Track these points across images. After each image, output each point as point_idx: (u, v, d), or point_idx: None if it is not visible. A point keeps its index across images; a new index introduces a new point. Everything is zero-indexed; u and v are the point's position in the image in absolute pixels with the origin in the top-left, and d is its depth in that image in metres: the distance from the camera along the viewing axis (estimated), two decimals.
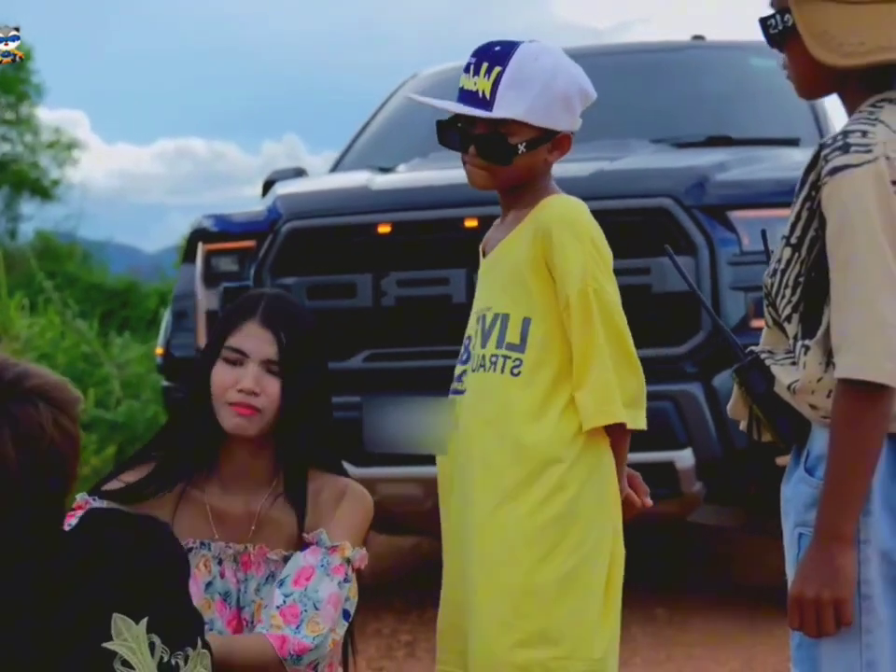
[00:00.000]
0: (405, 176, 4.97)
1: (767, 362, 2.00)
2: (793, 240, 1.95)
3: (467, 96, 2.36)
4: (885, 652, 1.88)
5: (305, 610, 2.27)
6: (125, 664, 1.78)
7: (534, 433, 2.34)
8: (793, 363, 1.96)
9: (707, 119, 5.71)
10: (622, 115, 5.60)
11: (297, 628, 2.25)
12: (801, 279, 1.95)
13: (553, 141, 2.40)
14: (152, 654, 1.80)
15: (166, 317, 5.13)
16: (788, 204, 4.27)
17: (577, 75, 2.43)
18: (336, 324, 4.58)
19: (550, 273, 2.36)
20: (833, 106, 7.32)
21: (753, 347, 2.06)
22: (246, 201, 6.06)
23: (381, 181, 4.79)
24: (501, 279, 2.44)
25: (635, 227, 4.37)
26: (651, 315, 4.25)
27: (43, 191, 24.83)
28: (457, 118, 2.39)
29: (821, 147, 1.91)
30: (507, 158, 2.37)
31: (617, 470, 2.39)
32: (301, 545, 2.35)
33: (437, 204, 4.49)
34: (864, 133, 1.87)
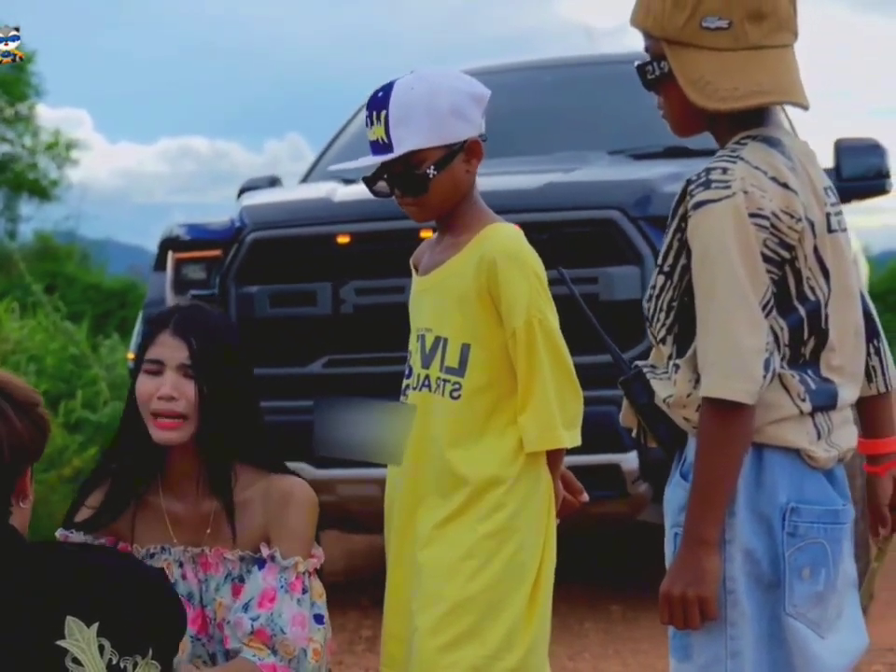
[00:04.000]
0: (364, 189, 5.11)
1: (648, 376, 2.16)
2: (666, 268, 2.11)
3: (374, 146, 2.50)
4: (748, 643, 2.04)
5: (274, 635, 2.42)
6: (75, 661, 1.97)
7: (471, 458, 2.48)
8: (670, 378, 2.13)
9: (667, 130, 5.84)
10: (582, 127, 5.76)
11: (274, 653, 2.41)
12: (674, 304, 2.11)
13: (465, 150, 2.50)
14: (101, 656, 1.99)
15: (137, 324, 5.28)
16: None
17: (458, 85, 2.50)
18: (297, 331, 4.75)
19: (493, 302, 2.48)
20: (797, 113, 7.49)
21: (638, 362, 2.22)
22: None
23: (342, 193, 4.94)
24: (443, 303, 2.55)
25: (583, 237, 4.53)
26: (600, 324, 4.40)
27: (42, 192, 24.96)
28: (380, 168, 2.53)
29: (688, 182, 2.07)
30: (423, 186, 2.48)
31: (553, 482, 2.54)
32: (254, 545, 2.49)
33: (393, 216, 4.63)
34: (724, 170, 2.03)
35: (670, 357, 2.13)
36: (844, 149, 5.50)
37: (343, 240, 4.67)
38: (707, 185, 2.03)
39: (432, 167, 2.47)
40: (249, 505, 2.51)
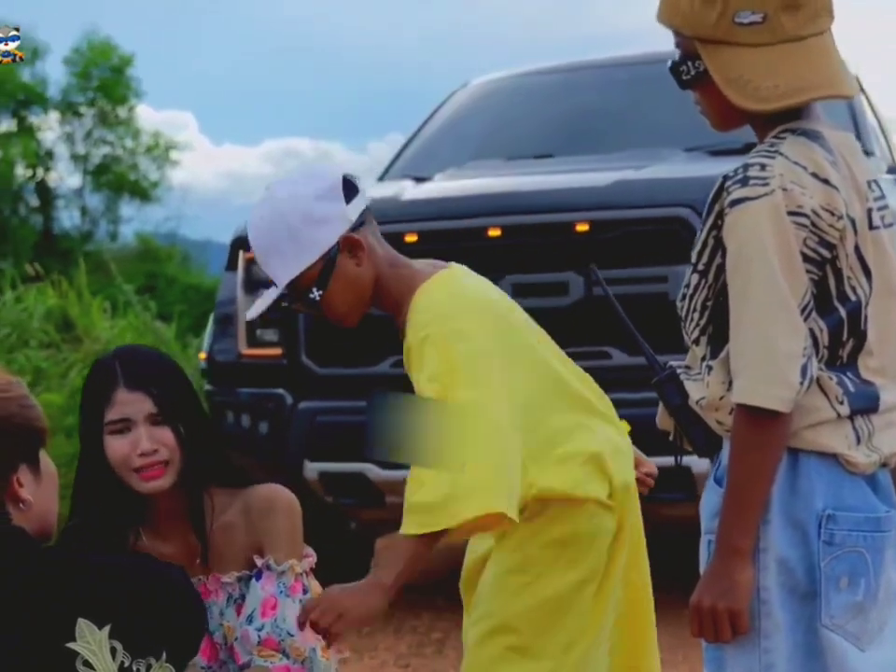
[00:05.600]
0: (434, 186, 5.09)
1: (682, 377, 2.09)
2: (700, 266, 2.04)
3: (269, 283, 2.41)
4: (782, 655, 1.96)
5: (282, 640, 2.39)
6: (86, 664, 1.95)
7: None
8: (703, 380, 2.06)
9: (747, 126, 5.74)
10: (658, 124, 5.67)
11: (286, 656, 2.38)
12: (708, 303, 2.03)
13: (342, 251, 2.35)
14: (113, 658, 1.96)
15: (210, 323, 5.29)
16: None
17: (302, 192, 2.36)
18: (365, 330, 4.70)
19: None
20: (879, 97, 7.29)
21: (673, 362, 2.15)
22: None
23: (411, 192, 4.91)
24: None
25: (653, 236, 4.45)
26: (669, 322, 4.32)
27: (143, 193, 25.30)
28: (276, 302, 2.40)
29: (725, 178, 1.99)
30: (317, 306, 2.38)
31: None
32: (248, 562, 2.46)
33: (461, 214, 4.60)
34: (763, 167, 1.95)
35: (703, 359, 2.05)
36: None
37: (410, 239, 4.62)
38: (744, 182, 1.95)
39: (314, 288, 2.35)
40: (232, 526, 2.49)
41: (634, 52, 6.55)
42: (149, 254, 23.69)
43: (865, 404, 1.98)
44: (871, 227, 2.02)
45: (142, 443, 2.38)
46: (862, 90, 6.39)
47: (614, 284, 4.59)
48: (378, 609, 2.29)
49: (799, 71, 1.98)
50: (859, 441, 1.98)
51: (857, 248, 1.98)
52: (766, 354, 1.91)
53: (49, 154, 24.92)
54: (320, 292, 2.35)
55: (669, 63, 2.10)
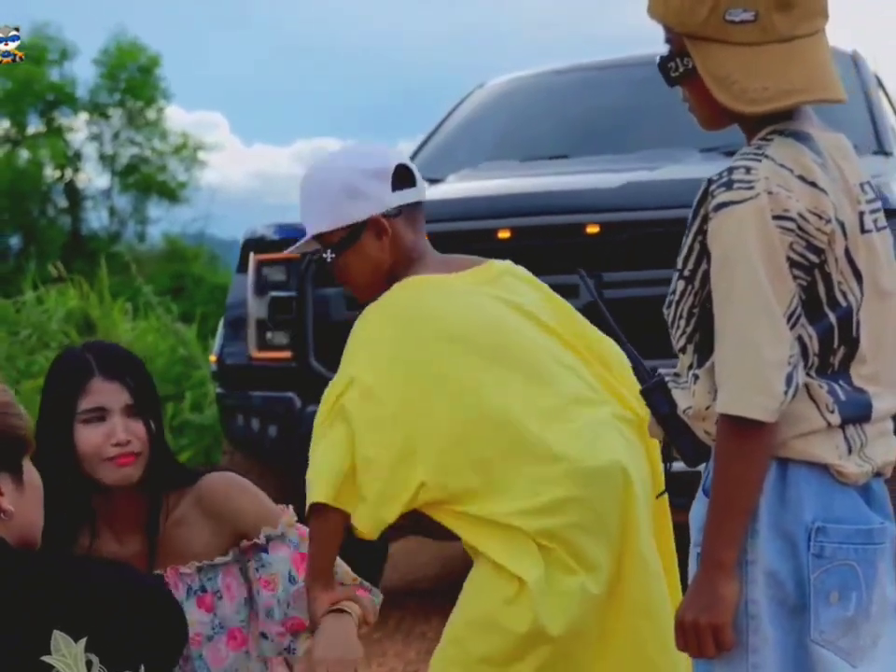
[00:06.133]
0: (445, 188, 5.05)
1: (670, 385, 2.04)
2: (686, 272, 1.98)
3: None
4: (771, 671, 1.91)
5: None
6: None
7: None
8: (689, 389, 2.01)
9: None
10: (674, 124, 5.59)
11: None
12: (694, 310, 1.98)
13: (369, 229, 2.44)
14: (89, 671, 1.93)
15: (220, 326, 5.27)
16: None
17: (355, 164, 2.46)
18: None
19: None
20: None
21: (662, 370, 2.10)
22: None
23: None
24: None
25: (664, 237, 4.38)
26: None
27: (171, 194, 25.37)
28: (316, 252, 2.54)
29: (709, 182, 1.94)
30: (332, 269, 2.50)
31: None
32: (209, 551, 2.48)
33: (470, 216, 4.56)
34: (748, 170, 1.89)
35: (690, 367, 2.00)
36: None
37: None
38: (729, 185, 1.89)
39: (330, 251, 2.46)
40: (186, 521, 2.49)
41: (650, 51, 6.49)
42: (176, 254, 23.75)
43: (857, 413, 1.93)
44: (863, 230, 1.96)
45: (118, 433, 2.36)
46: (882, 87, 6.32)
47: (626, 287, 4.57)
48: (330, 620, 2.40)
49: (789, 73, 1.92)
50: (850, 450, 1.92)
51: (847, 252, 1.92)
52: (750, 362, 1.86)
53: (78, 155, 25.03)
54: (333, 256, 2.45)
55: (658, 58, 2.05)
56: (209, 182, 27.53)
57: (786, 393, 1.85)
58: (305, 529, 2.49)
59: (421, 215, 2.53)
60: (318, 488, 2.32)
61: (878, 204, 2.02)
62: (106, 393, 2.38)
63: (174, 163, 25.56)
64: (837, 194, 1.92)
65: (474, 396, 2.37)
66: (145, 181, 25.12)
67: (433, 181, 5.30)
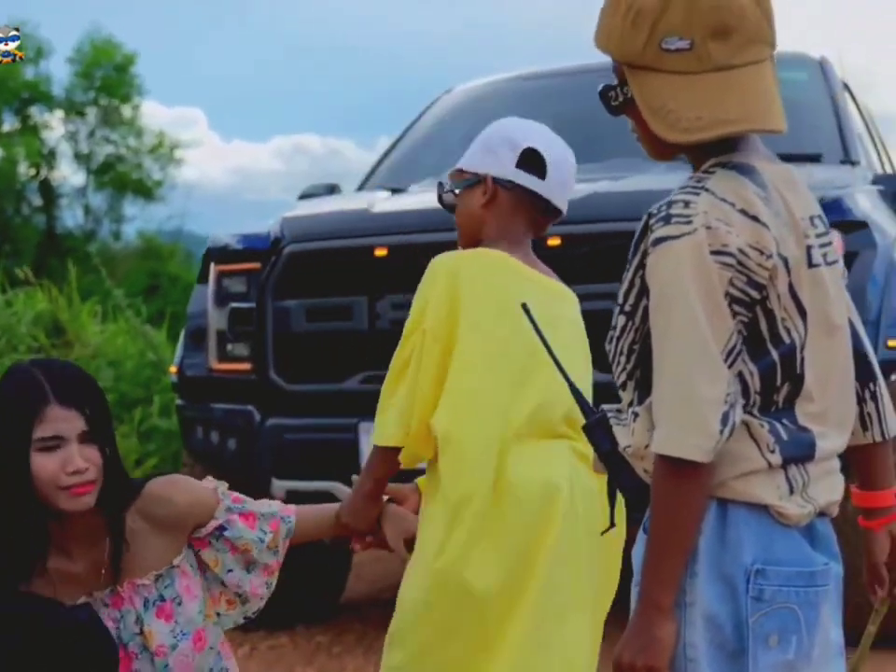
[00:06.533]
0: (405, 199, 5.00)
1: (612, 422, 2.00)
2: (627, 307, 1.94)
3: None
4: None
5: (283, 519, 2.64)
6: None
7: None
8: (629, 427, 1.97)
9: None
10: None
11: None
12: (635, 346, 1.94)
13: (480, 184, 2.65)
14: None
15: (181, 337, 5.21)
16: None
17: (505, 126, 2.71)
18: (334, 346, 4.63)
19: None
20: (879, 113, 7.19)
21: (605, 406, 2.05)
22: None
23: (381, 204, 4.82)
24: None
25: (626, 250, 4.34)
26: None
27: (146, 192, 25.29)
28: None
29: (649, 215, 1.90)
30: (445, 206, 2.75)
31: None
32: (166, 558, 2.51)
33: (431, 228, 4.51)
34: (686, 204, 1.85)
35: (630, 404, 1.96)
36: None
37: (380, 253, 4.54)
38: (667, 220, 1.85)
39: (449, 186, 2.72)
40: (135, 532, 2.50)
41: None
42: (151, 252, 23.69)
43: (799, 452, 1.88)
44: (810, 265, 1.92)
45: (75, 461, 2.35)
46: (850, 93, 6.29)
47: (587, 300, 4.52)
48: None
49: (724, 102, 1.87)
50: (792, 490, 1.88)
51: (791, 288, 1.88)
52: (685, 401, 1.81)
53: (53, 153, 24.94)
54: (449, 189, 2.72)
55: (599, 87, 2.01)
56: (187, 179, 27.42)
57: (722, 432, 1.80)
58: (235, 494, 2.62)
59: (532, 206, 2.68)
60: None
61: (829, 238, 1.98)
62: (63, 421, 2.36)
63: (149, 162, 25.48)
64: (780, 228, 1.87)
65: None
66: (120, 179, 25.03)
67: (396, 191, 5.27)
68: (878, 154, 6.58)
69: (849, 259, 4.30)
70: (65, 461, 2.35)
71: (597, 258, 4.37)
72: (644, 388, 1.93)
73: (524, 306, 2.33)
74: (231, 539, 2.57)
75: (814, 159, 5.28)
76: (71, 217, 25.28)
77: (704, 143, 1.90)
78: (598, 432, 2.01)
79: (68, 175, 25.59)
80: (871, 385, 2.07)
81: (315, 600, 5.40)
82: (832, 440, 1.94)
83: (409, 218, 4.65)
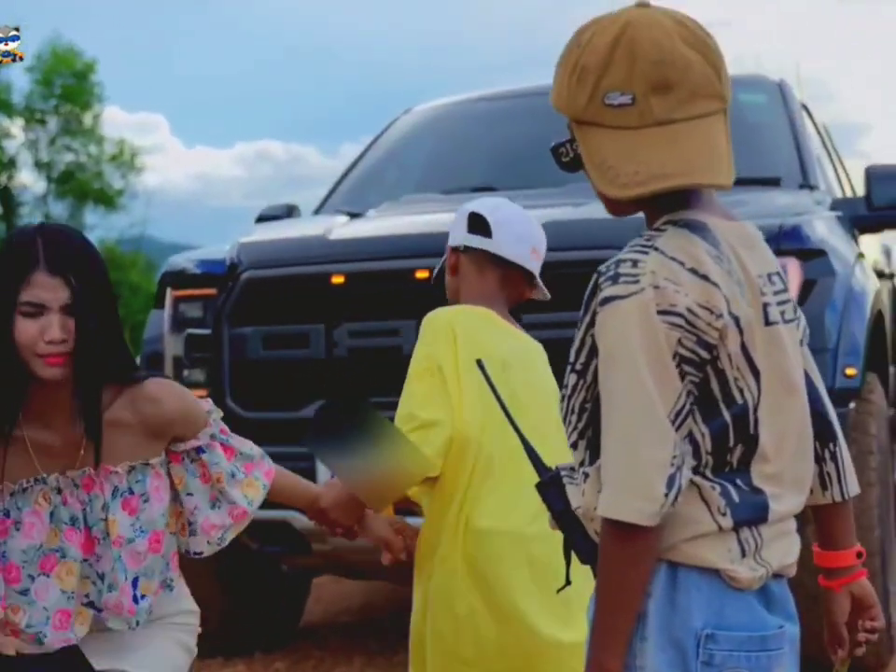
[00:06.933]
0: (362, 226, 4.96)
1: (565, 481, 1.97)
2: (578, 366, 1.91)
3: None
4: None
5: (253, 459, 2.73)
6: None
7: None
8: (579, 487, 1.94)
9: None
10: None
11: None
12: (587, 405, 1.91)
13: (450, 254, 2.98)
14: None
15: (138, 362, 5.15)
16: None
17: (469, 204, 3.00)
18: (290, 374, 4.59)
19: None
20: (840, 137, 7.21)
21: (560, 464, 2.03)
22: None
23: (339, 230, 4.78)
24: None
25: (586, 279, 4.30)
26: None
27: (108, 201, 25.14)
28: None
29: (598, 274, 1.87)
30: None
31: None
32: (138, 452, 2.55)
33: (388, 255, 4.48)
34: (634, 263, 1.83)
35: (582, 464, 1.93)
36: (875, 176, 5.25)
37: (337, 280, 4.50)
38: (615, 279, 1.83)
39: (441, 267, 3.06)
40: (119, 422, 2.52)
41: None
42: (113, 262, 23.53)
43: (751, 515, 1.86)
44: (767, 322, 1.90)
45: (52, 331, 2.39)
46: (809, 114, 6.30)
47: (550, 328, 4.48)
48: None
49: (663, 157, 1.84)
50: (744, 554, 1.85)
51: (743, 348, 1.86)
52: (629, 464, 1.79)
53: (13, 161, 24.74)
54: (435, 272, 3.06)
55: (551, 144, 1.99)
56: (149, 185, 27.26)
57: (667, 496, 1.78)
58: (224, 426, 2.69)
59: (494, 265, 2.94)
60: None
61: (787, 296, 1.96)
62: (48, 289, 2.40)
63: (110, 170, 25.33)
64: (732, 287, 1.85)
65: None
66: (81, 188, 24.87)
67: (353, 215, 5.23)
68: (836, 172, 6.59)
69: (808, 287, 4.30)
70: (44, 329, 2.39)
71: (555, 287, 4.34)
72: (595, 448, 1.90)
73: (479, 363, 2.36)
74: (206, 464, 2.62)
75: (773, 182, 5.29)
76: None
77: (645, 198, 1.87)
78: (552, 491, 1.99)
79: (29, 183, 25.37)
80: (831, 445, 2.06)
81: (273, 626, 5.36)
82: (787, 501, 1.91)
83: (366, 246, 4.61)
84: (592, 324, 1.88)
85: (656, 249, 1.84)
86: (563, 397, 1.95)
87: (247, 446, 2.71)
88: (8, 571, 2.50)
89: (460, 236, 2.96)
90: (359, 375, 4.47)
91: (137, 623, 2.57)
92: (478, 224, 2.94)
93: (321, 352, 4.50)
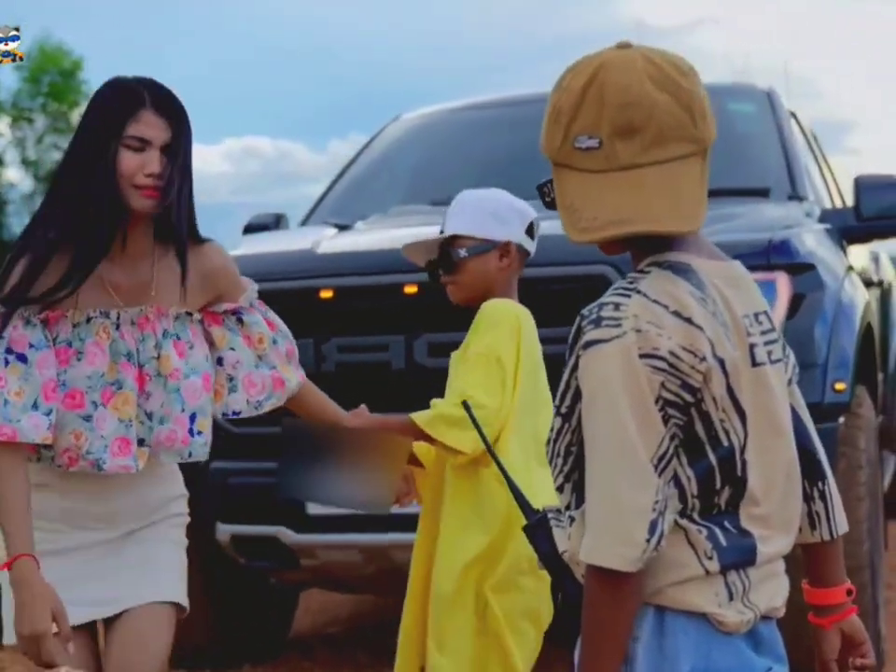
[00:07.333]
0: (350, 239, 4.93)
1: (552, 524, 1.97)
2: (563, 409, 1.90)
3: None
4: None
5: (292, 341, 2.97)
6: None
7: None
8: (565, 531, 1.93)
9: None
10: None
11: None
12: (572, 448, 1.90)
13: (498, 248, 2.97)
14: None
15: None
16: None
17: (504, 198, 3.04)
18: None
19: None
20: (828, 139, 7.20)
21: (547, 506, 2.02)
22: (312, 200, 6.15)
23: (327, 244, 4.76)
24: None
25: (572, 296, 4.30)
26: None
27: None
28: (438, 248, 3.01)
29: (581, 317, 1.86)
30: (452, 266, 2.96)
31: None
32: (194, 306, 2.76)
33: (377, 270, 4.46)
34: (617, 306, 1.81)
35: (568, 507, 1.92)
36: (864, 186, 5.24)
37: (325, 295, 4.49)
38: (597, 322, 1.81)
39: (464, 251, 2.95)
40: (173, 269, 2.71)
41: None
42: None
43: (738, 559, 1.85)
44: (754, 364, 1.88)
45: (153, 165, 2.59)
46: (798, 121, 6.29)
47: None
48: None
49: (620, 203, 1.82)
50: (731, 597, 1.85)
51: (729, 390, 1.84)
52: (611, 509, 1.78)
53: (0, 159, 24.66)
54: (465, 254, 2.95)
55: (537, 185, 1.98)
56: None
57: (649, 541, 1.77)
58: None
59: (522, 267, 3.07)
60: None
61: (774, 335, 1.95)
62: (153, 127, 2.59)
63: None
64: (716, 329, 1.84)
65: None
66: None
67: (342, 227, 5.21)
68: (824, 177, 6.58)
69: (797, 301, 4.30)
70: (146, 162, 2.58)
71: (543, 302, 4.32)
72: (581, 492, 1.88)
73: (464, 405, 2.44)
74: (248, 325, 2.84)
75: (762, 193, 5.28)
76: (18, 224, 25.02)
77: (620, 240, 1.87)
78: (539, 534, 1.98)
79: (16, 181, 25.29)
80: (819, 484, 2.04)
81: (262, 638, 5.35)
82: (775, 543, 1.91)
83: (354, 260, 4.59)
84: (576, 367, 1.87)
85: (639, 292, 1.83)
86: (549, 440, 1.94)
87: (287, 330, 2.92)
88: (72, 397, 2.63)
89: (517, 234, 3.01)
90: (348, 390, 4.45)
91: (190, 455, 2.77)
92: (531, 230, 3.05)
93: (310, 366, 4.47)
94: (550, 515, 1.98)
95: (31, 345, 2.59)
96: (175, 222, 2.64)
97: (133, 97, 2.59)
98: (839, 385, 4.30)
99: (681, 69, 1.86)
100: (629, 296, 1.82)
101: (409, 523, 4.28)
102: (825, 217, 5.18)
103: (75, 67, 24.08)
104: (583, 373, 1.82)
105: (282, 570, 4.69)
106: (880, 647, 4.53)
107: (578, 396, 1.86)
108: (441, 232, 3.01)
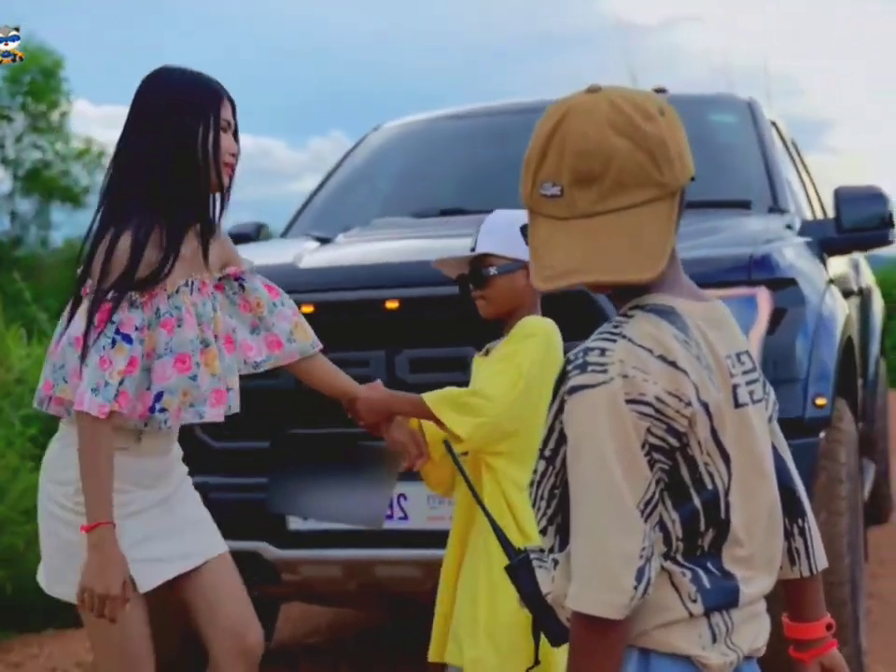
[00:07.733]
0: (332, 253, 4.91)
1: (535, 564, 1.96)
2: (547, 452, 1.89)
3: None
4: None
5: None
6: None
7: None
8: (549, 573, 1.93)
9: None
10: None
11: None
12: (556, 491, 1.89)
13: (526, 268, 2.91)
14: None
15: None
16: (712, 285, 4.12)
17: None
18: (260, 404, 4.55)
19: None
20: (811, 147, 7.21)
21: (530, 547, 2.02)
22: (291, 197, 6.17)
23: (308, 258, 4.74)
24: None
25: (554, 311, 4.29)
26: None
27: (74, 199, 24.96)
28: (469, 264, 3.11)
29: (567, 361, 1.86)
30: (482, 282, 3.05)
31: None
32: (214, 267, 3.06)
33: (358, 285, 4.45)
34: (603, 352, 1.81)
35: (551, 550, 1.92)
36: (844, 198, 5.24)
37: (306, 309, 4.45)
38: (583, 368, 1.80)
39: (494, 269, 3.04)
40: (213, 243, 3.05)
41: (555, 97, 6.41)
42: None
43: (722, 600, 1.85)
44: (736, 405, 1.88)
45: (234, 146, 2.97)
46: (779, 131, 6.29)
47: None
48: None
49: (576, 251, 1.81)
50: (715, 639, 1.85)
51: (713, 433, 1.84)
52: (597, 556, 1.77)
53: None
54: (495, 272, 3.04)
55: (520, 225, 1.98)
56: None
57: (636, 588, 1.76)
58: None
59: None
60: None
61: (755, 375, 1.95)
62: (230, 111, 2.95)
63: (76, 168, 25.15)
64: (700, 372, 1.83)
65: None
66: (47, 185, 24.68)
67: (323, 240, 5.18)
68: (804, 186, 6.59)
69: (778, 316, 4.29)
70: (231, 143, 2.95)
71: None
72: (564, 534, 1.88)
73: (446, 444, 2.44)
74: (247, 291, 3.10)
75: (744, 205, 5.28)
76: None
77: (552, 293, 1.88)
78: (522, 574, 1.99)
79: None
80: (799, 521, 2.05)
81: None
82: (758, 583, 1.91)
83: (336, 275, 4.57)
84: (561, 410, 1.86)
85: (624, 337, 1.82)
86: (532, 482, 1.94)
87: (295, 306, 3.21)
88: (182, 361, 2.91)
89: (522, 251, 2.99)
90: (328, 405, 4.44)
91: (230, 408, 3.11)
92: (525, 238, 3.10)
93: (291, 382, 4.44)
94: (532, 556, 1.98)
95: (136, 328, 2.84)
96: (228, 198, 3.00)
97: (214, 85, 2.92)
98: (820, 401, 4.30)
99: (647, 113, 1.82)
100: (615, 341, 1.82)
101: (390, 539, 4.29)
102: (805, 229, 5.19)
103: (56, 66, 23.97)
104: (569, 418, 1.81)
105: (263, 585, 4.67)
106: (861, 661, 4.55)
107: (562, 439, 1.86)
108: (472, 249, 3.11)
